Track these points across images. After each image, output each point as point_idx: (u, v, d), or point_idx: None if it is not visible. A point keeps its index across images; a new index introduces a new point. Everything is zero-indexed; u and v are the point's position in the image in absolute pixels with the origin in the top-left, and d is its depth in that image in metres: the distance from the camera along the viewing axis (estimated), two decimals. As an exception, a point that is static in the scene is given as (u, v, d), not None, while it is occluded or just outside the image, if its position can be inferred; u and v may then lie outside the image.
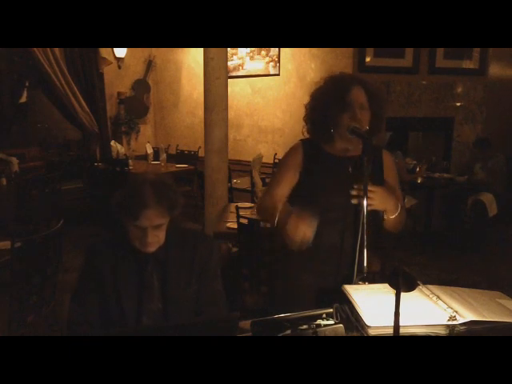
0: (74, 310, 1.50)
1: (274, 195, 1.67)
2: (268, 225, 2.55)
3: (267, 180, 3.49)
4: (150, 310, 1.48)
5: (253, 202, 3.72)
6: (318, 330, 1.21)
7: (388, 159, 1.72)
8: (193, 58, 6.58)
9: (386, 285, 1.20)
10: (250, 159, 4.69)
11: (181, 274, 1.51)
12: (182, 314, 1.50)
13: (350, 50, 4.96)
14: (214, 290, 1.57)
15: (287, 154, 1.74)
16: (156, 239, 1.43)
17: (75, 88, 5.84)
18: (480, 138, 5.01)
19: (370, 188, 1.50)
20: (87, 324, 1.46)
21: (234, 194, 4.81)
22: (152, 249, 1.44)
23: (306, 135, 1.73)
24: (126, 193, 1.42)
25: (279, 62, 5.68)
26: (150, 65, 6.97)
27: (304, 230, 1.44)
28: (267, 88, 5.88)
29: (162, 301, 1.49)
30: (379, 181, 1.63)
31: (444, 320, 1.21)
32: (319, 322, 1.27)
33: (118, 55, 6.55)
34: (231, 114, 4.82)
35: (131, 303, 1.47)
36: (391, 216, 1.58)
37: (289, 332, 1.22)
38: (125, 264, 1.48)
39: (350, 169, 1.63)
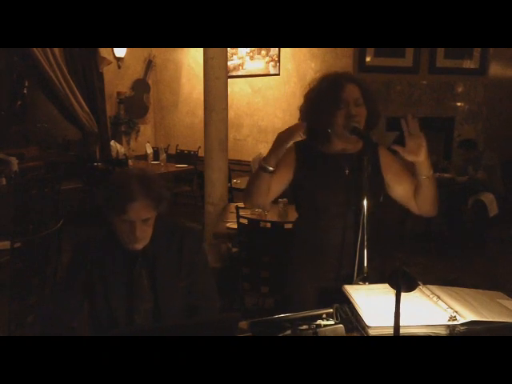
0: (55, 309, 1.51)
1: None
2: (268, 225, 2.55)
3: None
4: (140, 309, 1.48)
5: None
6: (318, 330, 1.21)
7: (385, 155, 1.68)
8: (193, 58, 6.58)
9: (386, 285, 1.21)
10: (250, 159, 4.69)
11: (169, 271, 1.50)
12: (173, 310, 1.50)
13: (350, 49, 4.96)
14: (205, 284, 1.57)
15: None
16: (144, 235, 1.42)
17: (75, 88, 5.84)
18: (464, 139, 5.01)
19: (417, 133, 1.46)
20: (69, 325, 1.46)
21: (233, 194, 4.80)
22: (140, 245, 1.43)
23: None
24: (113, 188, 1.42)
25: (279, 61, 5.68)
26: (149, 65, 6.97)
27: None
28: (267, 88, 5.87)
29: (153, 298, 1.49)
30: (377, 177, 1.62)
31: (444, 320, 1.21)
32: (319, 322, 1.27)
33: (117, 55, 6.55)
34: (231, 113, 4.82)
35: (121, 303, 1.47)
36: (424, 174, 1.52)
37: (289, 332, 1.22)
38: (113, 263, 1.47)
39: (346, 170, 1.61)
